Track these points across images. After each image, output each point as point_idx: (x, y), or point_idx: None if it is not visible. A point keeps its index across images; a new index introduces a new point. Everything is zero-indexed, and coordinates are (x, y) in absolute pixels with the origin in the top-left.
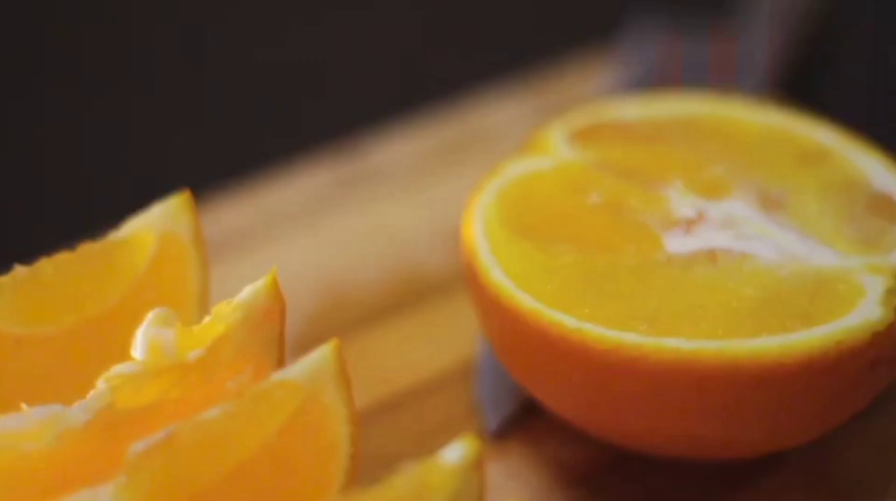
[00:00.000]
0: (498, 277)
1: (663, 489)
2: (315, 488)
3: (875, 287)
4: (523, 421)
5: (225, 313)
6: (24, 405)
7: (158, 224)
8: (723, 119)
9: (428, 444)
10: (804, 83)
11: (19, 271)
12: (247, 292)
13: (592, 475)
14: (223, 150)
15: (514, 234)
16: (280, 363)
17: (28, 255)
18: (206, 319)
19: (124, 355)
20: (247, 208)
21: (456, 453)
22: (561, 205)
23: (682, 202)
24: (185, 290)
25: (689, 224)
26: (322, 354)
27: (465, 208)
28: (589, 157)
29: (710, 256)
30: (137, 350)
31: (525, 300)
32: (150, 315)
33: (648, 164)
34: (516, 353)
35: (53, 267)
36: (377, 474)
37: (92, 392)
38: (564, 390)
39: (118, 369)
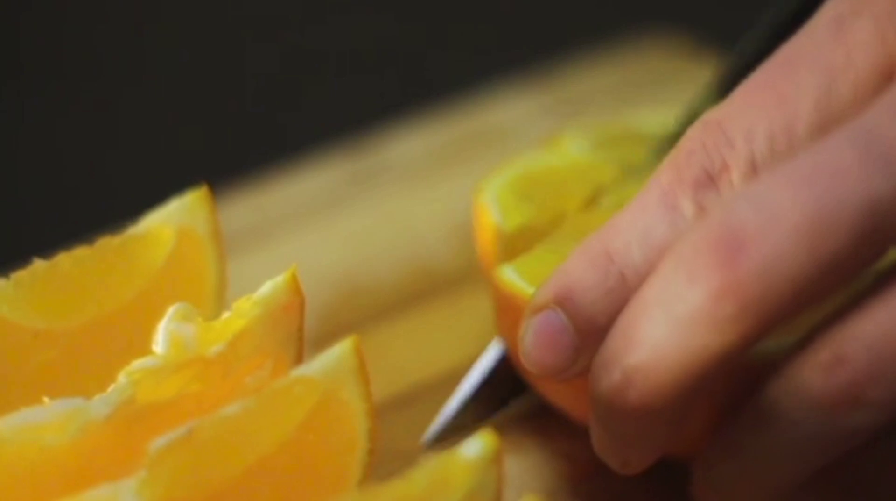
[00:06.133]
0: (511, 276)
1: (673, 485)
2: (333, 483)
3: None
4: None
5: (245, 308)
6: (45, 399)
7: (176, 219)
8: None
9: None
10: None
11: (38, 265)
12: (266, 287)
13: (603, 470)
14: (239, 145)
15: (528, 229)
16: (299, 358)
17: (47, 249)
18: (226, 314)
19: (142, 349)
20: (262, 204)
21: (474, 447)
22: (574, 204)
23: None
24: (202, 284)
25: None
26: (341, 350)
27: (476, 197)
28: (606, 157)
29: None
30: (158, 345)
31: None
32: (170, 310)
33: None
34: None
35: (72, 262)
36: (395, 468)
37: (113, 386)
38: (577, 390)
39: (139, 363)
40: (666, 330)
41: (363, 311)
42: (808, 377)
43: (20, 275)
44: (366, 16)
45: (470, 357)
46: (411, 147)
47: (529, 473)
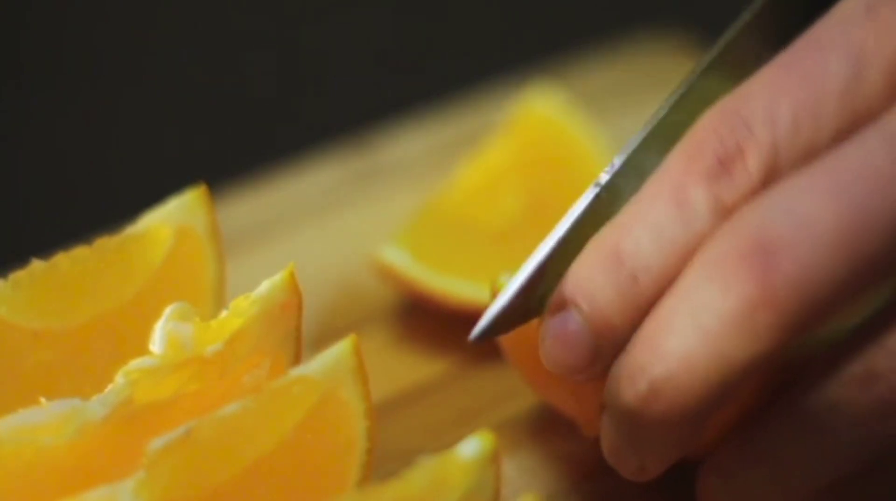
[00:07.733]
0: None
1: (671, 485)
2: (332, 482)
3: None
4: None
5: (242, 307)
6: (42, 400)
7: (174, 218)
8: None
9: (444, 438)
10: None
11: (36, 265)
12: (264, 286)
13: (602, 471)
14: (237, 144)
15: None
16: (297, 357)
17: (45, 249)
18: (224, 313)
19: (141, 349)
20: (261, 203)
21: (472, 447)
22: None
23: None
24: (200, 283)
25: None
26: (340, 349)
27: None
28: None
29: None
30: (156, 345)
31: None
32: (168, 310)
33: None
34: (532, 362)
35: (70, 261)
36: (393, 468)
37: (110, 386)
38: (583, 398)
39: (137, 363)
40: (695, 340)
41: (362, 311)
42: (844, 391)
43: (18, 275)
44: (366, 16)
45: (470, 357)
46: (411, 147)
47: (529, 473)
